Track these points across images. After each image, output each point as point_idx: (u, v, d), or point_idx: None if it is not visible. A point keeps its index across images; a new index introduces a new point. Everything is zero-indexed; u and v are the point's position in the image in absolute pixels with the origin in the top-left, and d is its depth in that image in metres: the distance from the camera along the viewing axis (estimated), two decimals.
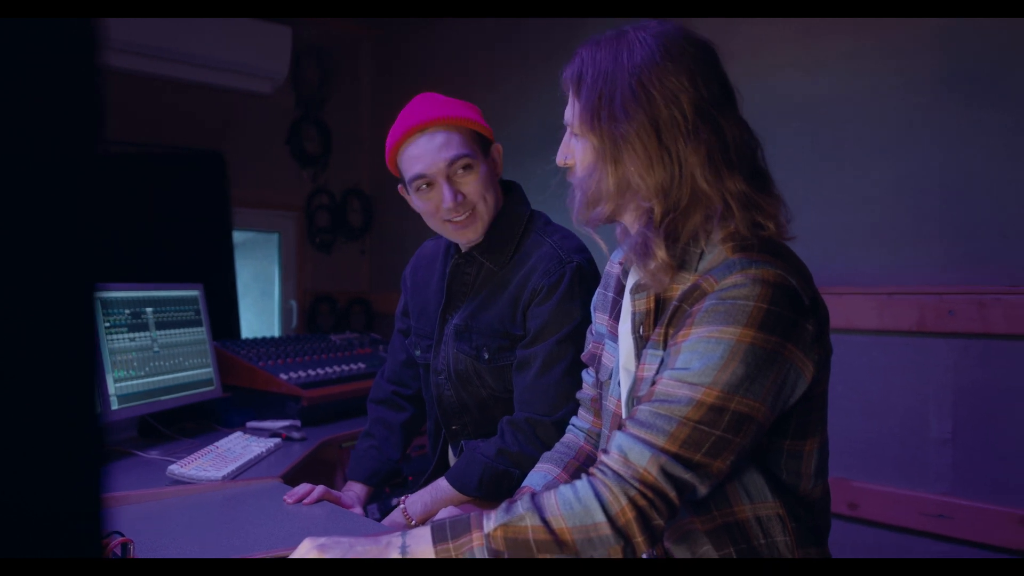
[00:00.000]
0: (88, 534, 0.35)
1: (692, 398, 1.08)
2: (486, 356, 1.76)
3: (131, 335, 2.21)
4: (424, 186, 1.72)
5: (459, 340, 1.79)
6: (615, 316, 1.39)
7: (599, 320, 1.47)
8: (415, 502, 1.71)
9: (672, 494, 1.07)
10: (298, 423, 2.43)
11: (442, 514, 1.65)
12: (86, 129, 0.31)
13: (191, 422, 2.47)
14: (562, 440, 1.60)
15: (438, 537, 1.10)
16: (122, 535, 1.28)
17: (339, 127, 3.94)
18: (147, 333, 2.28)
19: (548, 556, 1.06)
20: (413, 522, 1.63)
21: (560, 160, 1.29)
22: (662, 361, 1.18)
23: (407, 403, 2.00)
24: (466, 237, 1.76)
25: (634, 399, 1.25)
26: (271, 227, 3.86)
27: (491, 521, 1.09)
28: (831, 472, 2.26)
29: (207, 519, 1.63)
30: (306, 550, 1.11)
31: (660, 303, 1.23)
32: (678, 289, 1.19)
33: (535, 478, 1.53)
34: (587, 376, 1.55)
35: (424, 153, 1.69)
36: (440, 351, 1.84)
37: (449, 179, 1.70)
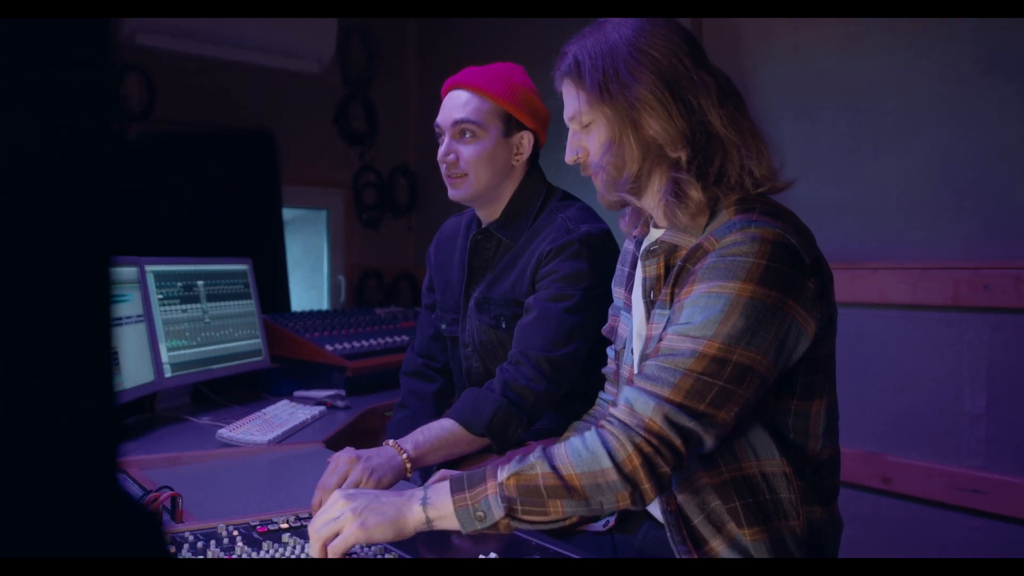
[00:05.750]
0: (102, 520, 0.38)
1: (695, 350, 1.13)
2: (504, 325, 1.82)
3: (183, 307, 2.32)
4: (438, 135, 1.86)
5: (480, 312, 1.86)
6: (630, 289, 1.45)
7: (617, 294, 1.53)
8: (407, 440, 1.60)
9: (677, 442, 1.11)
10: (342, 392, 2.52)
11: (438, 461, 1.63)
12: (98, 112, 0.35)
13: (241, 390, 2.58)
14: (590, 411, 1.65)
15: (456, 488, 1.16)
16: (171, 489, 1.38)
17: (385, 105, 4.01)
18: (198, 305, 2.39)
19: (559, 501, 1.12)
20: (405, 455, 1.54)
21: (570, 158, 1.34)
22: (668, 319, 1.23)
23: (437, 374, 2.07)
24: (455, 195, 1.85)
25: (644, 359, 1.30)
26: (320, 204, 3.96)
27: (504, 471, 1.15)
28: (864, 445, 2.30)
29: (251, 478, 1.72)
30: (333, 499, 1.18)
31: (669, 268, 1.28)
32: (684, 251, 1.25)
33: None
34: (610, 351, 1.60)
35: (445, 106, 1.84)
36: (466, 324, 1.90)
37: (452, 136, 1.82)
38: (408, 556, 1.21)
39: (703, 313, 1.14)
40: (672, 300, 1.24)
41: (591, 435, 1.15)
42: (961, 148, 2.16)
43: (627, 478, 1.11)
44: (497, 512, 1.13)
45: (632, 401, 1.15)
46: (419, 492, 1.19)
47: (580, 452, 1.14)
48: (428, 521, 1.16)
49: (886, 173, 2.31)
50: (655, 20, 1.28)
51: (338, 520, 1.14)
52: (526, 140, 1.85)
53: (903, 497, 2.27)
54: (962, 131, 2.16)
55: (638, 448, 1.11)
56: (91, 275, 0.34)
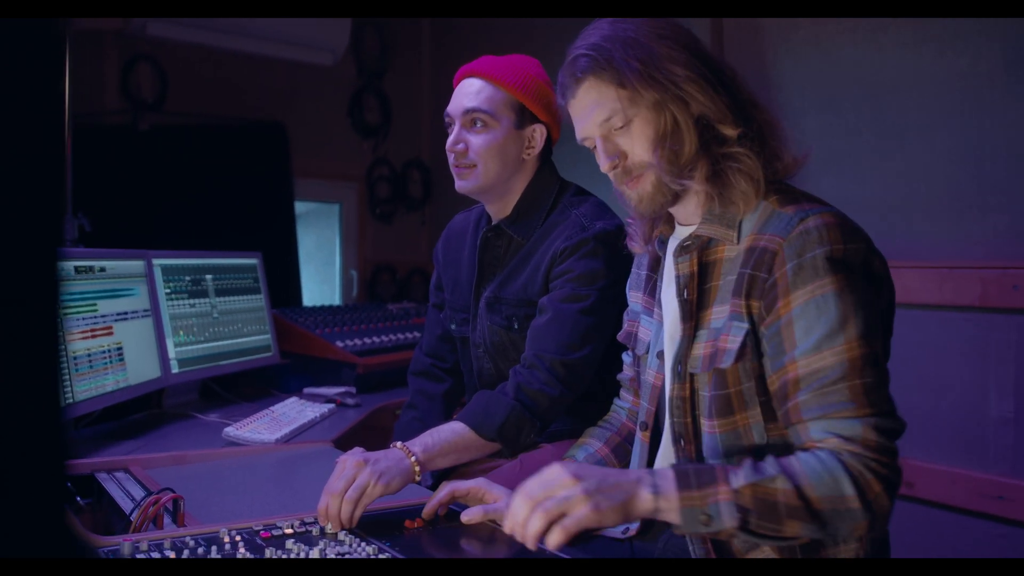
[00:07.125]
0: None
1: (842, 361, 1.10)
2: (516, 326, 1.77)
3: (191, 301, 2.29)
4: (448, 124, 1.81)
5: (491, 312, 1.81)
6: (649, 292, 1.40)
7: (633, 298, 1.47)
8: (416, 442, 1.52)
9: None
10: (353, 390, 2.48)
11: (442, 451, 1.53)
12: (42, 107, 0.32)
13: (250, 387, 2.54)
14: (606, 417, 1.60)
15: (682, 483, 1.07)
16: (173, 491, 1.34)
17: (399, 98, 3.97)
18: (207, 300, 2.35)
19: (797, 523, 1.05)
20: (414, 458, 1.45)
21: (608, 165, 1.26)
22: (748, 332, 1.17)
23: (446, 374, 2.02)
24: (462, 186, 1.80)
25: (682, 359, 1.24)
26: (332, 198, 3.92)
27: (739, 478, 1.07)
28: None
29: (258, 479, 1.69)
30: (558, 474, 1.08)
31: (703, 265, 1.24)
32: (723, 249, 1.22)
33: (577, 452, 1.53)
34: (626, 357, 1.55)
35: (457, 94, 1.80)
36: (477, 325, 1.85)
37: (463, 125, 1.77)
38: (401, 556, 1.16)
39: (820, 321, 1.11)
40: (750, 311, 1.17)
41: (826, 456, 1.07)
42: (988, 144, 2.09)
43: (869, 506, 1.05)
44: (729, 521, 1.05)
45: (837, 431, 1.09)
46: (646, 477, 1.09)
47: (820, 474, 1.06)
48: (656, 510, 1.08)
49: (911, 169, 2.25)
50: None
51: (568, 500, 1.05)
52: (539, 133, 1.80)
53: (925, 503, 2.21)
54: (990, 127, 2.09)
55: (875, 473, 1.05)
56: (34, 278, 0.30)
